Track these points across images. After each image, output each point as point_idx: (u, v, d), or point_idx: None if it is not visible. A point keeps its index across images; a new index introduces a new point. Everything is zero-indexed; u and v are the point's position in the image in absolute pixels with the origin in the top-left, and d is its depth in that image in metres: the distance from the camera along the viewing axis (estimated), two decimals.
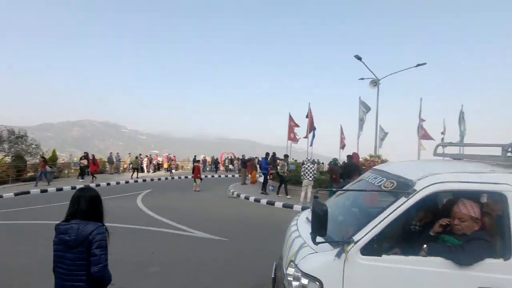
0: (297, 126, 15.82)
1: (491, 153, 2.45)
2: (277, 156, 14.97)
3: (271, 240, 5.89)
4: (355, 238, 2.05)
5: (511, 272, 1.84)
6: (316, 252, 2.15)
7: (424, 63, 15.99)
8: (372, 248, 2.03)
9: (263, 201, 11.29)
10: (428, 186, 2.06)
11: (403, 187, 2.17)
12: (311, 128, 15.62)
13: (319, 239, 2.05)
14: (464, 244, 1.97)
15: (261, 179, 13.44)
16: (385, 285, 1.97)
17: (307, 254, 2.19)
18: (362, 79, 17.11)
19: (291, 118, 15.74)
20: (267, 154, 14.48)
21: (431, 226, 2.30)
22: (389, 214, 2.05)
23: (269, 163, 13.44)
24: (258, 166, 23.08)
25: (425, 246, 2.08)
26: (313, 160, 15.01)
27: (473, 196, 2.15)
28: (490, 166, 2.19)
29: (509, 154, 2.18)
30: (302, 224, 2.88)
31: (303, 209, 8.77)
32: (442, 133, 18.52)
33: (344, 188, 3.29)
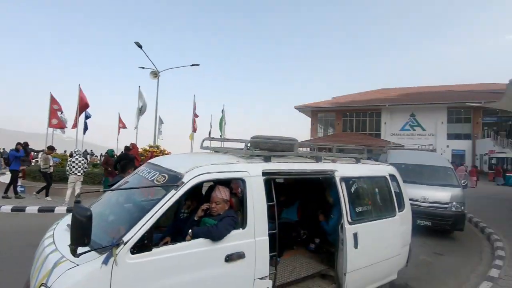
0: (60, 110, 12.86)
1: (241, 147, 3.15)
2: (30, 147, 11.64)
3: (14, 264, 4.45)
4: (125, 238, 1.95)
5: (246, 237, 2.43)
6: (78, 265, 1.85)
7: (198, 64, 18.14)
8: (143, 245, 2.01)
9: (6, 208, 8.40)
10: (194, 177, 2.31)
11: (173, 180, 2.31)
12: (81, 112, 13.37)
13: (81, 249, 1.78)
14: (218, 222, 2.40)
15: (3, 178, 9.95)
16: (155, 279, 2.01)
17: (65, 270, 1.84)
18: (142, 68, 16.77)
19: (53, 100, 12.62)
20: (19, 144, 10.93)
21: (196, 212, 2.63)
22: (160, 208, 2.11)
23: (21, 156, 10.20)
24: (2, 160, 17.15)
25: (190, 230, 2.32)
26: (85, 151, 13.04)
27: (225, 182, 2.67)
28: (237, 158, 2.77)
29: (248, 148, 2.88)
30: (60, 234, 2.39)
31: (69, 211, 7.44)
32: (210, 126, 21.88)
33: (115, 186, 3.07)
